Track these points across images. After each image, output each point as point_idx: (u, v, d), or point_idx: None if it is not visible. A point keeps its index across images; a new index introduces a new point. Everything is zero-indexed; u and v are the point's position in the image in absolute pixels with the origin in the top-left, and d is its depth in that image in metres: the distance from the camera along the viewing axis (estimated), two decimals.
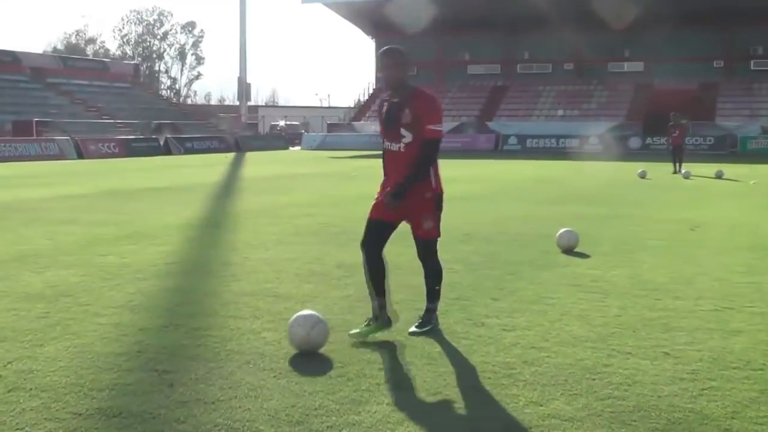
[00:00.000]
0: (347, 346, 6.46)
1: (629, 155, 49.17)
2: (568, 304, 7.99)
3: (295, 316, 6.37)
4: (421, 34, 70.55)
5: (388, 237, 6.83)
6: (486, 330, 7.01)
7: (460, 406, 5.10)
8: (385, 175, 6.88)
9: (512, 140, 60.52)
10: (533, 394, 5.33)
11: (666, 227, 14.21)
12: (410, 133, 6.50)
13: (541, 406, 5.12)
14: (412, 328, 6.88)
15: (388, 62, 6.59)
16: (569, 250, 11.23)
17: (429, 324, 6.93)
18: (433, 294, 7.03)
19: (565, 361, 6.08)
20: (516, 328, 7.06)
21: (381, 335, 6.72)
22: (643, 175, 28.13)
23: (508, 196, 21.18)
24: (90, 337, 6.76)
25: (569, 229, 11.60)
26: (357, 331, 6.71)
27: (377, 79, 77.20)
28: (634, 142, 57.79)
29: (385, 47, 6.74)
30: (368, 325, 6.76)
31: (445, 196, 6.85)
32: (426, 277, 7.04)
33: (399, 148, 6.59)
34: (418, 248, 6.91)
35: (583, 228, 12.47)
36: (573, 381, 5.59)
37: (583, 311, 7.72)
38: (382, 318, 6.75)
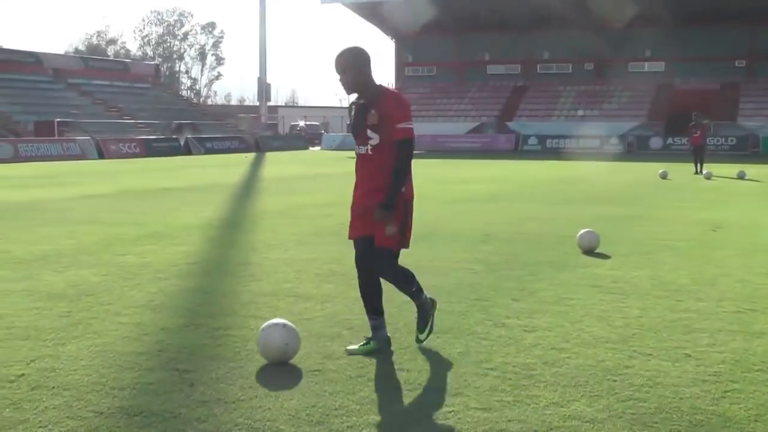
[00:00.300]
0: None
1: (650, 155, 48.97)
2: (589, 305, 7.96)
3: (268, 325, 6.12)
4: (440, 34, 70.61)
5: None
6: (506, 331, 6.99)
7: (480, 408, 5.08)
8: (357, 179, 6.47)
9: (532, 140, 60.40)
10: (554, 395, 5.31)
11: (687, 228, 14.14)
12: (377, 134, 6.13)
13: (562, 407, 5.10)
14: (421, 335, 6.57)
15: (340, 66, 6.18)
16: (590, 251, 11.19)
17: (427, 322, 6.58)
18: (413, 294, 6.55)
19: (586, 362, 6.06)
20: (536, 329, 7.04)
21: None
22: (664, 176, 28.01)
23: (528, 196, 21.12)
24: (111, 336, 6.79)
25: (590, 229, 11.55)
26: (354, 347, 6.41)
27: (397, 79, 77.28)
28: (656, 143, 57.60)
29: (339, 51, 6.27)
30: (366, 344, 6.43)
31: (415, 202, 6.42)
32: (377, 293, 6.49)
33: (366, 150, 6.22)
34: (374, 257, 6.32)
35: (603, 229, 12.42)
36: (594, 382, 5.57)
37: (604, 312, 7.68)
38: (378, 337, 6.44)
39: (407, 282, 6.48)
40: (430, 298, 6.66)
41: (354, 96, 6.36)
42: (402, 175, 6.13)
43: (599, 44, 65.92)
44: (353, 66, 6.17)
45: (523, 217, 15.95)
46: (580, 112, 65.15)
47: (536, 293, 8.56)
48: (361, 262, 6.41)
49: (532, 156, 48.83)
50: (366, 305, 6.52)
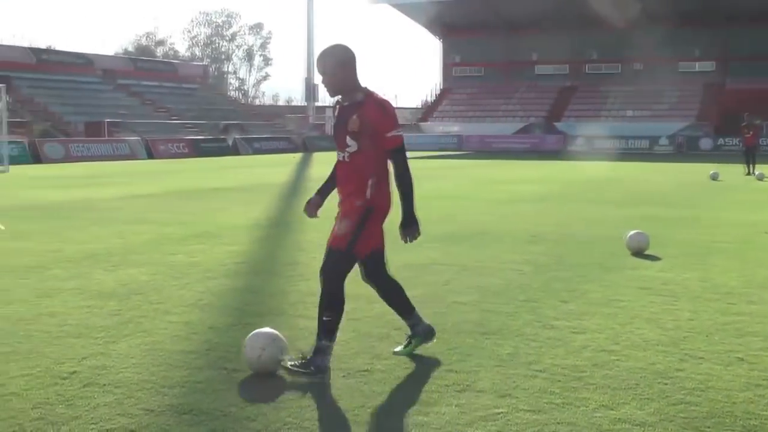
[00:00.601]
0: (416, 348, 6.43)
1: (700, 156, 48.47)
2: (639, 308, 7.89)
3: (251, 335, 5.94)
4: (488, 34, 70.44)
5: (381, 260, 6.20)
6: (555, 332, 6.94)
7: (529, 409, 5.05)
8: (337, 185, 6.15)
9: (580, 141, 59.98)
10: (604, 398, 5.26)
11: (738, 230, 13.96)
12: (355, 142, 5.76)
13: (612, 410, 5.05)
14: (289, 361, 5.78)
15: (321, 67, 5.86)
16: (639, 253, 11.09)
17: (306, 368, 5.72)
18: (321, 325, 5.86)
19: (636, 364, 6.00)
20: (586, 331, 6.98)
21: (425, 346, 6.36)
22: (715, 177, 27.68)
23: (576, 197, 20.98)
24: (161, 334, 6.84)
25: (639, 231, 11.45)
26: (400, 349, 6.32)
27: (444, 79, 77.21)
28: (706, 143, 57.03)
29: (321, 50, 5.99)
30: (409, 343, 6.30)
31: (388, 213, 6.03)
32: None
33: (343, 157, 5.90)
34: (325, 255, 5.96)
35: (652, 230, 12.30)
36: (644, 385, 5.51)
37: (654, 315, 7.61)
38: (418, 332, 6.29)
39: (331, 306, 5.85)
40: (327, 366, 5.79)
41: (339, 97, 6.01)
42: (408, 183, 5.86)
43: (648, 44, 65.34)
44: (334, 66, 5.83)
45: (572, 218, 15.85)
46: (629, 113, 64.70)
47: (585, 295, 8.49)
48: (365, 276, 6.24)
49: (580, 157, 48.49)
50: (394, 310, 6.41)
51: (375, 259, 6.12)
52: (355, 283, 9.06)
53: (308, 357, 5.78)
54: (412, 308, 6.33)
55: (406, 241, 6.05)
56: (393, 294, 6.30)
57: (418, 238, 6.07)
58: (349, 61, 5.88)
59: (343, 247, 5.81)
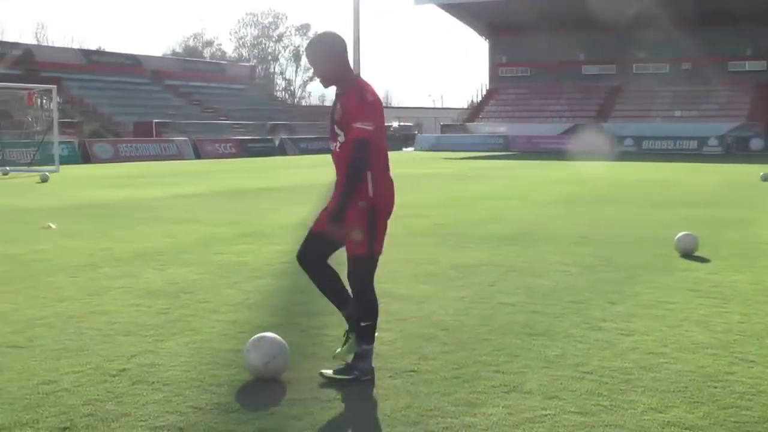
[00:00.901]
0: (463, 348, 6.43)
1: (750, 157, 47.87)
2: (688, 310, 7.81)
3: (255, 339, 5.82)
4: (535, 34, 70.04)
5: (328, 251, 5.95)
6: (603, 334, 6.90)
7: (577, 411, 5.02)
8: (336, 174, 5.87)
9: (628, 142, 59.47)
10: (652, 401, 5.21)
11: None
12: (342, 131, 5.59)
13: (661, 413, 5.01)
14: (326, 370, 5.78)
15: (310, 58, 5.75)
16: (688, 254, 10.98)
17: (349, 373, 5.69)
18: (359, 332, 5.77)
19: (686, 367, 5.94)
20: (634, 333, 6.93)
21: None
22: (766, 178, 27.30)
23: (624, 198, 20.81)
24: (209, 333, 6.89)
25: (688, 232, 11.34)
26: (338, 351, 5.96)
27: (491, 79, 76.97)
28: (756, 144, 56.26)
29: (309, 41, 5.83)
30: (347, 341, 5.93)
31: (392, 210, 5.83)
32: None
33: (335, 147, 5.71)
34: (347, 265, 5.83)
35: (702, 232, 12.17)
36: (694, 388, 5.46)
37: (704, 317, 7.53)
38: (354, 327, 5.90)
39: (367, 311, 5.76)
40: (372, 368, 5.73)
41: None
42: (351, 179, 5.54)
43: (697, 43, 64.65)
44: (321, 55, 5.67)
45: (619, 219, 15.73)
46: (678, 113, 64.01)
47: (633, 296, 8.43)
48: (300, 253, 5.95)
49: (628, 157, 48.10)
50: (332, 299, 6.04)
51: (317, 238, 5.87)
52: (399, 283, 9.10)
53: (348, 362, 5.75)
54: (349, 298, 5.94)
55: (326, 228, 5.70)
56: (324, 276, 5.97)
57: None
58: (335, 50, 5.69)
59: (363, 252, 5.67)
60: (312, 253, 5.91)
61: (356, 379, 5.61)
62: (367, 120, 5.49)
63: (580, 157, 42.63)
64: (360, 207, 5.59)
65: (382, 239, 5.75)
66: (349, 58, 5.77)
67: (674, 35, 64.69)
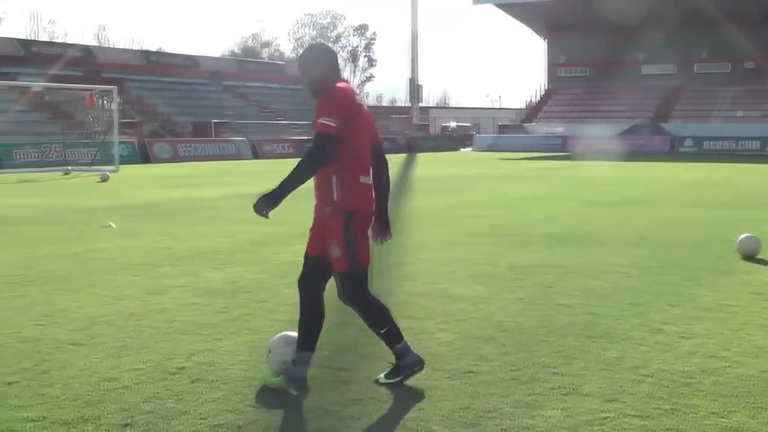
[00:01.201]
0: (521, 350, 6.40)
1: None
2: (751, 313, 7.68)
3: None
4: (594, 34, 69.49)
5: (325, 272, 5.63)
6: (663, 337, 6.82)
7: (636, 415, 4.96)
8: None
9: (688, 142, 58.73)
10: (714, 405, 5.14)
11: None
12: None
13: (723, 418, 4.93)
14: (384, 377, 5.65)
15: (300, 68, 5.68)
16: (750, 257, 10.81)
17: (400, 374, 5.59)
18: (385, 339, 5.63)
19: (748, 372, 5.85)
20: (695, 336, 6.84)
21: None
22: None
23: (683, 199, 20.55)
24: (266, 332, 6.92)
25: (750, 234, 11.16)
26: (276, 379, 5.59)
27: (549, 80, 76.53)
28: None
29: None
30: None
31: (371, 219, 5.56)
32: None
33: None
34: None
35: (765, 234, 11.96)
36: (757, 393, 5.37)
37: (767, 321, 7.40)
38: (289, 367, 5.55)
39: (376, 319, 5.59)
40: (418, 357, 5.64)
41: None
42: (297, 171, 5.33)
43: (760, 42, 63.62)
44: (314, 61, 5.59)
45: (679, 220, 15.53)
46: (740, 113, 63.07)
47: (694, 299, 8.31)
48: (301, 282, 5.69)
49: (688, 158, 47.53)
50: (303, 326, 5.64)
51: (319, 264, 5.63)
52: (456, 283, 9.07)
53: (395, 363, 5.62)
54: (313, 347, 5.63)
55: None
56: (314, 314, 5.67)
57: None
58: (330, 58, 5.63)
59: (346, 267, 5.40)
60: (309, 280, 5.66)
61: (408, 375, 5.56)
62: (330, 116, 5.29)
63: (638, 158, 42.19)
64: (328, 213, 5.46)
65: (367, 250, 5.49)
66: (338, 69, 5.67)
67: (736, 34, 63.77)
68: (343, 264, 5.40)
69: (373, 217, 5.63)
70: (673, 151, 57.77)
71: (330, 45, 5.73)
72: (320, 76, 5.53)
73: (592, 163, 39.73)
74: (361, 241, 5.42)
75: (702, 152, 56.14)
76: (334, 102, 5.36)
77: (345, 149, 5.34)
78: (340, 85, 5.52)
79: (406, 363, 5.60)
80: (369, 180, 5.53)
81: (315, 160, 5.32)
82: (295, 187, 5.35)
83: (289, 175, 5.35)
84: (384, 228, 5.78)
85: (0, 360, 6.14)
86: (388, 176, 5.78)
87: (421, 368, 5.62)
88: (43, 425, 4.80)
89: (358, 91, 5.03)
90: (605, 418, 4.93)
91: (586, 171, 33.30)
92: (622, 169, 34.91)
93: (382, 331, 5.59)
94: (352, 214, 5.39)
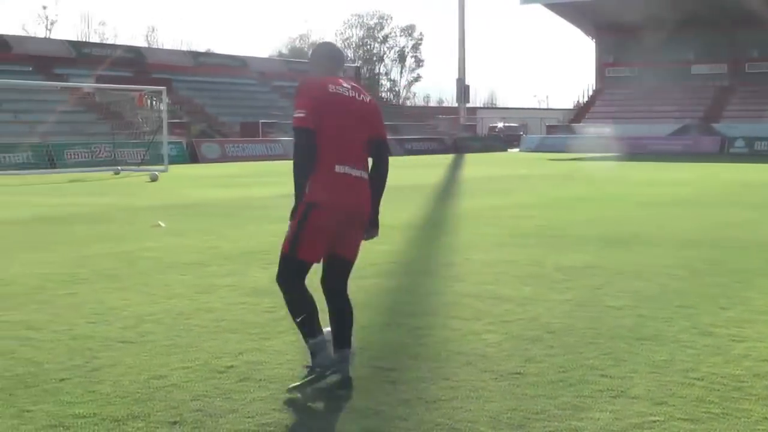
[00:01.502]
0: (569, 352, 6.36)
1: None
2: None
3: None
4: (642, 34, 68.86)
5: (346, 270, 5.87)
6: (713, 340, 6.74)
7: (686, 419, 4.91)
8: None
9: (739, 143, 57.99)
10: (766, 410, 5.07)
11: None
12: None
13: None
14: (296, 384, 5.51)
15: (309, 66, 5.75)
16: None
17: (310, 374, 5.50)
18: (300, 329, 5.59)
19: None
20: (746, 339, 6.75)
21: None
22: None
23: (734, 200, 20.30)
24: None
25: None
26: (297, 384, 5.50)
27: (598, 80, 76.01)
28: None
29: None
30: (308, 375, 5.56)
31: (348, 217, 5.55)
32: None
33: None
34: None
35: None
36: None
37: None
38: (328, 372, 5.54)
39: (293, 307, 5.58)
40: (336, 359, 5.49)
41: None
42: (294, 176, 5.31)
43: None
44: (313, 65, 5.65)
45: (729, 221, 15.36)
46: None
47: (746, 302, 8.20)
48: (321, 281, 5.81)
49: (739, 159, 46.97)
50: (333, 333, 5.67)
51: (335, 266, 5.73)
52: (504, 284, 9.04)
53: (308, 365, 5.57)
54: (347, 345, 5.61)
55: None
56: (340, 317, 5.72)
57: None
58: (322, 60, 5.66)
59: (286, 251, 5.46)
60: (332, 280, 5.77)
61: (319, 375, 5.44)
62: (299, 107, 5.27)
63: (688, 159, 41.78)
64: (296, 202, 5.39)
65: (317, 247, 5.49)
66: (337, 69, 5.66)
67: None
68: (285, 246, 5.45)
69: (357, 210, 5.57)
70: (723, 152, 57.08)
71: (325, 42, 5.74)
72: (319, 75, 5.56)
73: (639, 164, 39.43)
74: (312, 235, 5.39)
75: (753, 153, 55.42)
76: (303, 94, 5.36)
77: (318, 139, 5.29)
78: (312, 77, 5.53)
79: (317, 361, 5.48)
80: (351, 170, 5.44)
81: (297, 156, 5.30)
82: (301, 191, 5.33)
83: (294, 182, 5.34)
84: (371, 225, 5.77)
85: (52, 357, 6.22)
86: (384, 173, 5.85)
87: (341, 372, 5.45)
88: (93, 422, 4.85)
89: (349, 86, 5.01)
90: (654, 421, 4.88)
91: (633, 172, 33.04)
92: (670, 170, 34.59)
93: (297, 320, 5.53)
94: (313, 205, 5.32)
